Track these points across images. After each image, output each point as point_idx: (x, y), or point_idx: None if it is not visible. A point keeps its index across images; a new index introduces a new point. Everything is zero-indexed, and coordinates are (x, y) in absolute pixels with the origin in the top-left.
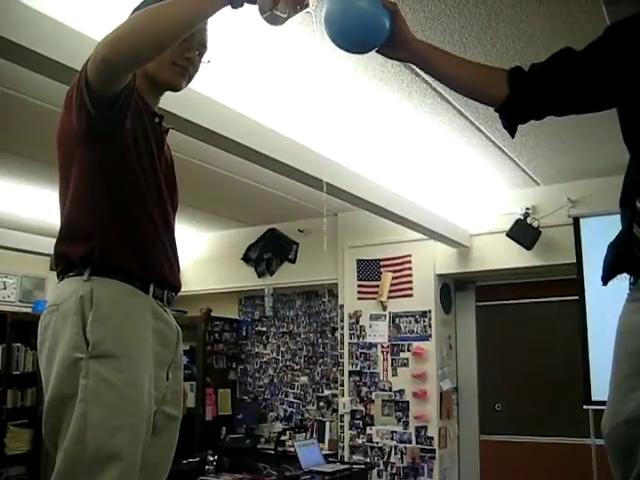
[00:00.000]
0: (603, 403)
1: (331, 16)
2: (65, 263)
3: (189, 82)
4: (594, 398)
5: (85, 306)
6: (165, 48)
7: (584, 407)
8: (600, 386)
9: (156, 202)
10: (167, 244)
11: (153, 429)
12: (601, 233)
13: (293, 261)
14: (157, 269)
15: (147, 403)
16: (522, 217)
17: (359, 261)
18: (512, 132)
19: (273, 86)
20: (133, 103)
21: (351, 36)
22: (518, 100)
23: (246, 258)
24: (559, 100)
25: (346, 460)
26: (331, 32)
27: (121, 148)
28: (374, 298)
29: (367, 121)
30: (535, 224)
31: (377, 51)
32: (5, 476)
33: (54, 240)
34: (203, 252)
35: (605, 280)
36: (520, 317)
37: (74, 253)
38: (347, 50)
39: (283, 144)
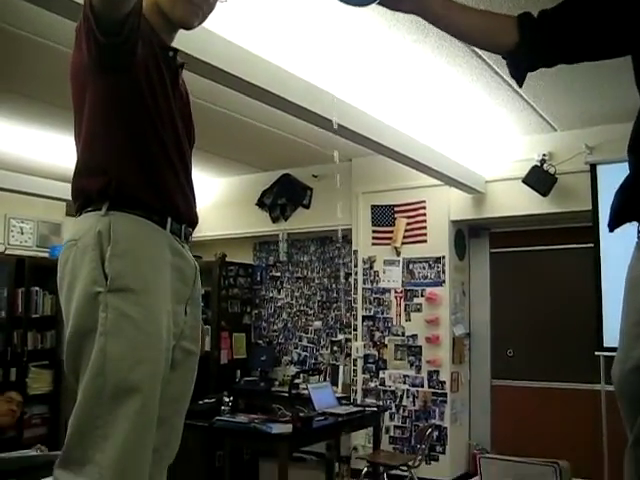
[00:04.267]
0: (615, 350)
1: None
2: (83, 198)
3: (202, 21)
4: (606, 344)
5: (103, 241)
6: None
7: (596, 353)
8: (612, 333)
9: (170, 135)
10: (183, 178)
11: (172, 364)
12: (618, 180)
13: (307, 206)
14: (173, 202)
15: (166, 337)
16: (538, 163)
17: (373, 207)
18: (521, 81)
19: (287, 27)
20: (145, 36)
21: None
22: (528, 47)
23: (260, 203)
24: (571, 46)
25: (359, 403)
26: None
27: (132, 80)
28: (388, 244)
29: (382, 64)
30: (551, 171)
31: (378, 3)
32: (29, 414)
33: (70, 185)
34: (217, 197)
35: (611, 227)
36: (534, 264)
37: (91, 186)
38: (347, 3)
39: (297, 85)
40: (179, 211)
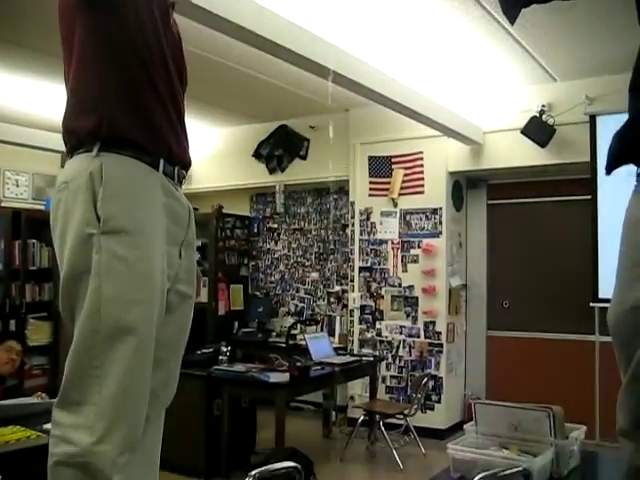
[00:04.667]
0: (609, 301)
1: None
2: (74, 139)
3: None
4: (601, 296)
5: (95, 182)
6: None
7: (591, 305)
8: (607, 285)
9: (161, 75)
10: (175, 119)
11: (167, 307)
12: None
13: (304, 157)
14: (165, 143)
15: (160, 279)
16: (537, 114)
17: (370, 158)
18: (513, 19)
19: None
20: None
21: None
22: None
23: (257, 155)
24: None
25: (355, 353)
26: None
27: (121, 18)
28: (385, 195)
29: (380, 10)
30: (550, 121)
31: None
32: (29, 365)
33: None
34: (214, 149)
35: (609, 169)
36: (531, 216)
37: (82, 127)
38: None
39: (294, 32)
40: (172, 153)
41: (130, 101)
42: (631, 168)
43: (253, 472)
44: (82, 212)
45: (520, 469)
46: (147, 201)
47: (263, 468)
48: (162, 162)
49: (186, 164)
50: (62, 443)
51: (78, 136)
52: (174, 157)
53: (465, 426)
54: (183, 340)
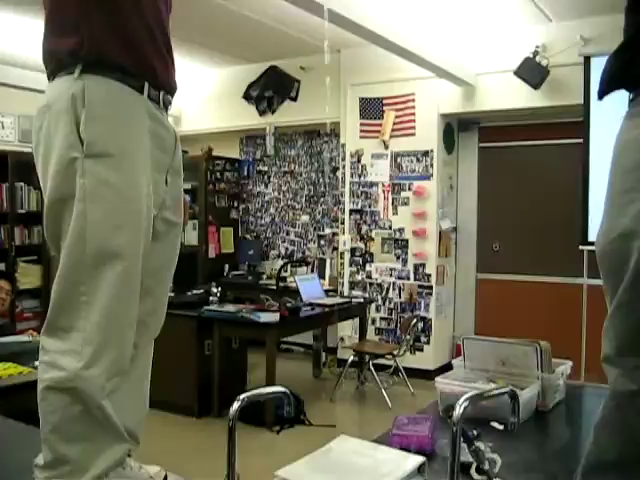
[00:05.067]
0: None
1: None
2: (55, 61)
3: None
4: (590, 239)
5: (77, 105)
6: None
7: (580, 247)
8: (597, 227)
9: None
10: (160, 41)
11: (154, 235)
12: None
13: (295, 99)
14: (149, 65)
15: (146, 204)
16: (531, 55)
17: (362, 99)
18: None
19: None
20: None
21: None
22: None
23: (247, 96)
24: None
25: (346, 295)
26: None
27: None
28: (376, 137)
29: None
30: (544, 63)
31: None
32: (20, 308)
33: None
34: (203, 90)
35: (601, 94)
36: (523, 159)
37: (62, 47)
38: None
39: None
40: (156, 76)
41: (112, 20)
42: (622, 111)
43: (242, 396)
44: (65, 135)
45: (507, 390)
46: (132, 125)
47: (252, 392)
48: (147, 85)
49: (172, 89)
50: (51, 369)
51: (59, 57)
52: (159, 81)
53: (454, 361)
54: (171, 267)
